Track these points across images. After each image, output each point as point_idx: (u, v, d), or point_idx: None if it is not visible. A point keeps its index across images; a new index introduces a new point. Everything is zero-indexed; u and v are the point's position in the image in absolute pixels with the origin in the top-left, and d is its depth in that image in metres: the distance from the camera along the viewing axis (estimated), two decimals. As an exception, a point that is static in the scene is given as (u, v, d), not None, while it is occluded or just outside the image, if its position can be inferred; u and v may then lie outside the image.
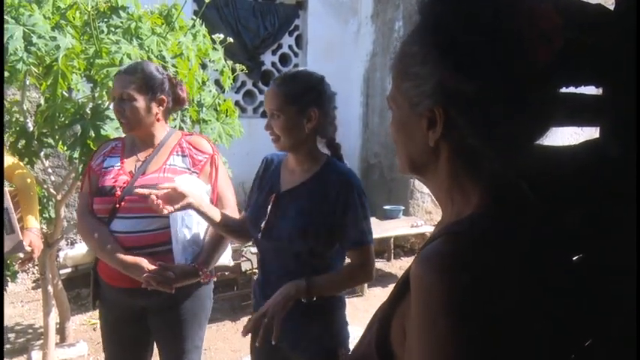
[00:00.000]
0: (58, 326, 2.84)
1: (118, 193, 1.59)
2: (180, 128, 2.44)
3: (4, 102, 2.19)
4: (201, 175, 1.69)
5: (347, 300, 4.07)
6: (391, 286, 3.23)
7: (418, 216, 5.04)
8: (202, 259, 1.63)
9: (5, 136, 2.18)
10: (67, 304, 2.95)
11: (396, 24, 5.20)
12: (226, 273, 3.87)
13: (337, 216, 1.36)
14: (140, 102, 1.60)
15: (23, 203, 1.89)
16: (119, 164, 1.65)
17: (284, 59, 5.59)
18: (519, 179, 0.61)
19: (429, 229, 4.62)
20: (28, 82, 2.31)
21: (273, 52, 5.48)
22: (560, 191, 0.70)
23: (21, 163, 1.99)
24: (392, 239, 4.82)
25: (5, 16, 1.89)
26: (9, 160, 1.93)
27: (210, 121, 2.64)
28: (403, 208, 4.84)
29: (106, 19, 2.19)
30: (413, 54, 0.61)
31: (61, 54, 1.90)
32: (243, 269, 4.02)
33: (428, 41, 0.59)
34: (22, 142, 2.11)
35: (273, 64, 5.51)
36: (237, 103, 5.03)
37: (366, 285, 4.02)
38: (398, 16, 5.16)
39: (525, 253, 0.55)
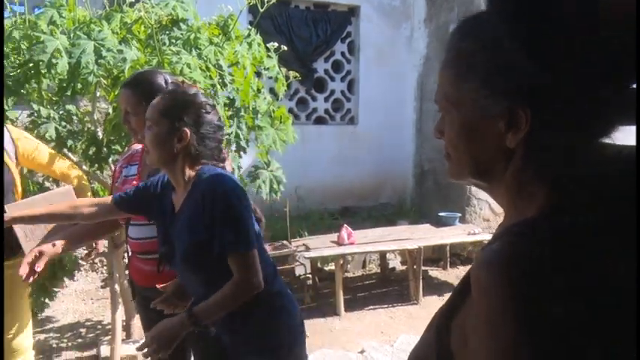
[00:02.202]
0: (124, 323, 2.99)
1: None
2: (237, 135, 2.52)
3: (78, 112, 2.36)
4: None
5: (403, 308, 4.00)
6: (447, 295, 3.15)
7: (475, 223, 4.88)
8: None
9: (78, 144, 2.34)
10: (132, 303, 3.10)
11: (451, 27, 5.09)
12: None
13: (213, 225, 1.29)
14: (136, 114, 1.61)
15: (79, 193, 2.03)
16: (136, 174, 1.71)
17: (336, 66, 5.63)
18: (588, 179, 0.58)
19: (486, 237, 4.45)
20: (98, 94, 2.48)
21: (326, 59, 5.53)
22: (628, 191, 0.65)
23: (76, 166, 2.14)
24: (448, 247, 4.70)
25: (78, 32, 2.04)
26: (65, 162, 2.07)
27: (265, 127, 2.70)
28: (459, 215, 4.71)
29: (167, 32, 2.31)
30: (481, 50, 0.57)
31: (127, 66, 2.02)
32: (297, 274, 4.07)
33: (503, 34, 0.54)
34: (93, 149, 2.26)
35: (326, 71, 5.57)
36: (290, 110, 5.12)
37: (421, 292, 3.94)
38: (452, 18, 5.06)
39: (594, 256, 0.51)
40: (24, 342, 1.98)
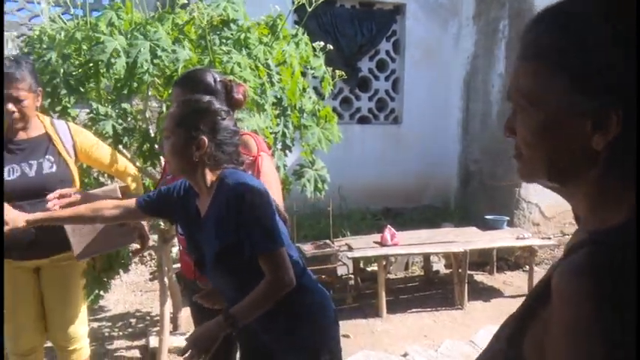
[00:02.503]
0: (171, 316, 3.08)
1: None
2: (283, 134, 2.54)
3: (132, 111, 2.45)
4: None
5: (446, 312, 3.92)
6: (494, 301, 3.08)
7: (524, 227, 4.71)
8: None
9: (132, 141, 2.43)
10: (180, 295, 3.20)
11: (501, 23, 4.94)
12: (322, 276, 3.93)
13: (241, 228, 1.31)
14: None
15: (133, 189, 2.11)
16: None
17: (381, 65, 5.58)
18: None
19: (536, 242, 4.29)
20: (150, 93, 2.56)
21: (370, 58, 5.49)
22: None
23: (132, 165, 2.22)
24: (495, 251, 4.56)
25: (135, 33, 2.12)
26: (123, 160, 2.15)
27: (310, 126, 2.71)
28: (507, 218, 4.56)
29: (218, 32, 2.35)
30: (577, 47, 0.54)
31: (180, 65, 2.08)
32: (339, 273, 4.06)
33: (605, 34, 0.52)
34: (146, 145, 2.33)
35: (370, 70, 5.53)
36: (333, 110, 5.11)
37: (466, 297, 3.84)
38: (503, 15, 4.90)
39: None
40: (80, 330, 2.07)
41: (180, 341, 3.11)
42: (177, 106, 1.38)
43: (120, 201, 1.65)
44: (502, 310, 3.82)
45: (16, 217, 1.50)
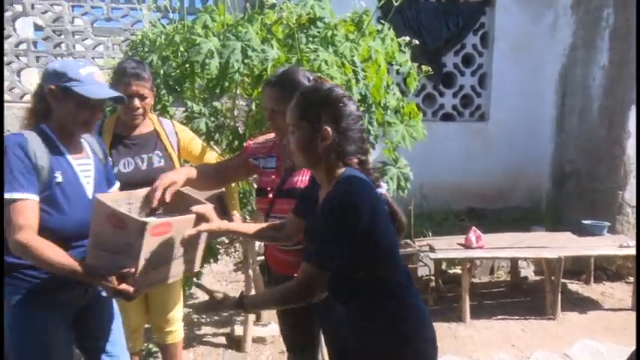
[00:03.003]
0: (254, 307, 3.19)
1: (270, 195, 1.71)
2: (367, 130, 2.52)
3: (223, 109, 2.57)
4: None
5: (537, 321, 3.68)
6: (591, 313, 2.83)
7: (628, 235, 4.28)
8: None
9: (222, 138, 2.55)
10: (263, 287, 3.30)
11: (605, 12, 4.52)
12: (402, 276, 3.87)
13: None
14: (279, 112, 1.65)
15: (227, 194, 2.19)
16: (274, 167, 1.76)
17: (467, 60, 5.35)
18: None
19: (642, 250, 3.88)
20: (237, 92, 2.66)
21: (456, 53, 5.29)
22: None
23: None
24: (592, 259, 4.19)
25: (227, 34, 2.21)
26: (214, 155, 2.25)
27: (394, 123, 2.66)
28: (608, 224, 4.16)
29: (305, 30, 2.39)
30: None
31: (269, 64, 2.14)
32: (420, 274, 3.96)
33: None
34: (236, 142, 2.43)
35: (455, 65, 5.32)
36: (417, 107, 4.99)
37: (559, 308, 3.57)
38: (607, 2, 4.47)
39: None
40: (177, 314, 2.23)
41: (263, 332, 3.22)
42: (297, 99, 1.34)
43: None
44: (601, 323, 3.51)
45: (219, 223, 1.53)
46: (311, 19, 2.40)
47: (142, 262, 1.36)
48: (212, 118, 2.40)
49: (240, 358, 3.02)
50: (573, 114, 4.98)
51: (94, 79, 1.47)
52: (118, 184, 1.74)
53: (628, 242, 3.83)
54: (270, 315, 3.51)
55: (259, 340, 3.17)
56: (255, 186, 1.82)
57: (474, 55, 5.33)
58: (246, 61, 2.16)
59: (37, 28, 5.26)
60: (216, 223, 1.50)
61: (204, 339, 3.24)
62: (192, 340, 3.18)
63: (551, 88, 5.24)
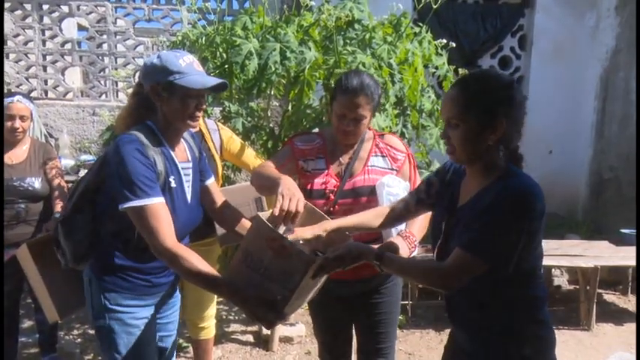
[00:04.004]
0: (283, 306, 3.22)
1: (332, 197, 1.67)
2: (402, 133, 2.51)
3: (259, 109, 2.60)
4: (399, 173, 1.71)
5: (569, 332, 3.57)
6: (627, 325, 2.73)
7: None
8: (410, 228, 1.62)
9: (257, 138, 2.59)
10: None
11: (652, 14, 4.35)
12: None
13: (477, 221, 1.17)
14: (368, 119, 1.66)
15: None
16: (325, 168, 1.72)
17: (504, 62, 5.25)
18: None
19: (685, 262, 3.72)
20: (272, 93, 2.69)
21: (492, 56, 5.20)
22: None
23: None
24: (630, 270, 4.05)
25: (267, 35, 2.24)
26: (252, 153, 2.27)
27: (429, 126, 2.65)
28: (648, 233, 4.01)
29: (342, 32, 2.40)
30: None
31: (307, 66, 2.16)
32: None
33: None
34: (271, 142, 2.47)
35: (492, 67, 5.23)
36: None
37: (594, 319, 3.47)
38: (655, 3, 4.31)
39: None
40: (210, 310, 2.29)
41: (290, 331, 3.25)
42: (461, 88, 1.21)
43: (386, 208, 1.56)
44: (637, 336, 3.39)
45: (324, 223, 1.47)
46: (349, 22, 2.41)
47: (295, 294, 1.28)
48: (248, 118, 2.44)
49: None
50: (614, 120, 4.82)
51: (194, 68, 1.39)
52: (213, 177, 1.66)
53: (670, 254, 3.68)
54: (297, 315, 3.54)
55: (286, 340, 3.20)
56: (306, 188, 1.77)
57: (511, 57, 5.23)
58: (283, 62, 2.19)
59: (81, 28, 5.45)
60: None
61: (233, 336, 3.29)
62: (221, 337, 3.22)
63: (592, 92, 5.09)
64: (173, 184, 1.42)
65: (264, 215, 1.35)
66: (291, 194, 1.38)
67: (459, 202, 1.30)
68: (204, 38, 2.47)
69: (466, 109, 1.18)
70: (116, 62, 5.05)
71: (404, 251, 1.52)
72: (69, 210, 1.48)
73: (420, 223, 1.64)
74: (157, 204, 1.32)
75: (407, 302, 3.52)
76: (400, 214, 1.52)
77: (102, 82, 4.96)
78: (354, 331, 1.93)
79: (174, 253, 1.31)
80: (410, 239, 1.57)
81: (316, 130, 2.20)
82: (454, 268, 1.17)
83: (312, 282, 1.35)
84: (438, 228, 1.35)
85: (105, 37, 4.88)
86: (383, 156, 1.73)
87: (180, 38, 2.80)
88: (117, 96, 5.14)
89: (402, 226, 1.64)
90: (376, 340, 1.83)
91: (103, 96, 5.01)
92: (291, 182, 1.47)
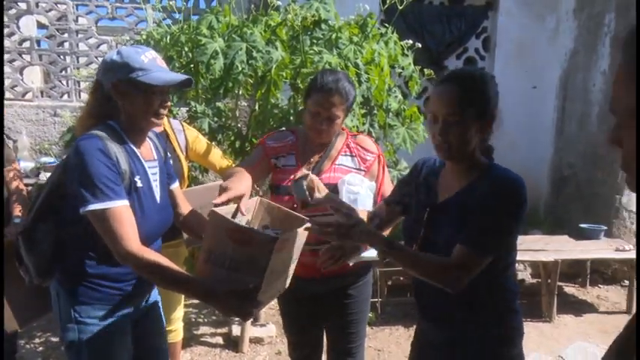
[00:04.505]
0: (253, 306, 3.21)
1: None
2: (369, 132, 2.54)
3: (226, 109, 2.58)
4: (367, 174, 1.73)
5: (532, 324, 3.69)
6: (586, 316, 2.86)
7: (624, 239, 4.31)
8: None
9: (224, 138, 2.57)
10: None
11: (606, 17, 4.55)
12: (400, 278, 3.89)
13: (475, 217, 1.20)
14: (341, 119, 1.68)
15: None
16: (295, 165, 1.73)
17: (469, 63, 5.37)
18: None
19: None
20: (240, 93, 2.68)
21: (458, 57, 5.31)
22: None
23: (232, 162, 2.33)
24: (588, 262, 4.22)
25: (233, 35, 2.23)
26: (219, 153, 2.25)
27: (395, 125, 2.69)
28: (605, 228, 4.19)
29: (309, 32, 2.41)
30: None
31: (274, 65, 2.16)
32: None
33: None
34: (238, 142, 2.45)
35: (458, 68, 5.35)
36: (418, 109, 5.01)
37: (555, 310, 3.60)
38: (609, 7, 4.50)
39: None
40: (178, 313, 2.25)
41: (260, 332, 3.23)
42: (451, 87, 1.22)
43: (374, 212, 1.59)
44: (595, 326, 3.54)
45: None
46: (315, 22, 2.42)
47: (266, 279, 1.26)
48: (215, 119, 2.41)
49: None
50: (573, 119, 5.01)
51: (157, 64, 1.34)
52: (177, 182, 1.62)
53: (624, 246, 3.86)
54: (267, 316, 3.54)
55: (257, 341, 3.19)
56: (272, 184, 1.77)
57: (475, 58, 5.36)
58: (250, 62, 2.18)
59: (41, 26, 5.27)
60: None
61: (202, 339, 3.25)
62: (189, 340, 3.19)
63: (552, 92, 5.27)
64: (139, 184, 1.36)
65: (220, 210, 1.34)
66: (229, 185, 1.40)
67: (439, 197, 1.33)
68: (168, 37, 2.43)
69: (466, 106, 1.20)
70: (78, 61, 4.91)
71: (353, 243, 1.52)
72: (30, 220, 1.40)
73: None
74: (120, 207, 1.27)
75: (376, 300, 3.56)
76: (379, 217, 1.53)
77: (63, 82, 4.81)
78: (324, 329, 1.93)
79: (140, 258, 1.26)
80: None
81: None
82: (461, 266, 1.19)
83: (281, 266, 1.35)
84: (416, 223, 1.35)
85: (66, 35, 4.74)
86: (352, 155, 1.75)
87: (144, 37, 2.74)
88: (79, 96, 4.99)
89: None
90: (347, 339, 1.84)
91: (65, 96, 4.86)
92: (239, 176, 1.49)
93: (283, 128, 2.17)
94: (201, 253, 1.34)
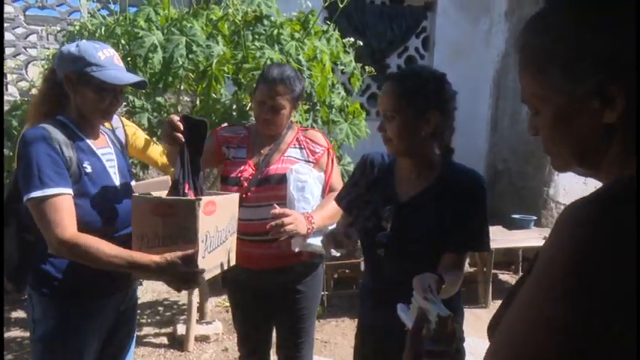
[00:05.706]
0: (198, 305, 3.16)
1: (245, 184, 1.70)
2: (312, 128, 2.57)
3: (166, 104, 2.53)
4: (316, 165, 1.78)
5: (469, 310, 3.88)
6: (523, 298, 2.93)
7: (552, 227, 4.63)
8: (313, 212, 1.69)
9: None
10: (207, 286, 3.27)
11: (534, 21, 4.84)
12: (347, 270, 3.97)
13: (457, 218, 1.26)
14: (287, 109, 1.71)
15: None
16: (245, 157, 1.76)
17: (410, 62, 5.55)
18: None
19: (564, 242, 4.21)
20: (182, 87, 2.63)
21: (399, 55, 5.47)
22: None
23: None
24: (520, 251, 4.50)
25: (172, 28, 2.18)
26: (158, 148, 2.20)
27: (338, 121, 2.74)
28: (535, 218, 4.49)
29: (251, 28, 2.40)
30: (557, 40, 0.59)
31: (214, 60, 2.14)
32: (363, 268, 4.08)
33: (577, 22, 0.58)
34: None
35: (399, 67, 5.50)
36: (361, 106, 5.11)
37: (490, 296, 3.81)
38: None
39: None
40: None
41: (206, 330, 3.20)
42: (395, 82, 1.26)
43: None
44: (527, 311, 3.78)
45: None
46: (257, 17, 2.42)
47: (200, 243, 1.29)
48: (155, 114, 2.36)
49: None
50: (506, 117, 5.30)
51: (113, 62, 1.36)
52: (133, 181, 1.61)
53: (552, 235, 4.14)
54: (213, 313, 3.50)
55: (202, 339, 3.15)
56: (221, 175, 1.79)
57: (416, 57, 5.54)
58: (190, 56, 2.15)
59: (-39, 12, 4.88)
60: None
61: (145, 339, 3.17)
62: (133, 340, 3.11)
63: (487, 91, 5.55)
64: (89, 170, 1.35)
65: (139, 193, 1.37)
66: None
67: (398, 196, 1.34)
68: (103, 29, 2.34)
69: (401, 102, 1.24)
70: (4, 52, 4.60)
71: (302, 227, 1.58)
72: None
73: (326, 213, 1.70)
74: (57, 194, 1.25)
75: (323, 293, 3.62)
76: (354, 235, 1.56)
77: (-12, 74, 4.49)
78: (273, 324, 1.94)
79: (75, 243, 1.24)
80: (309, 220, 1.62)
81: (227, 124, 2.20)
82: (461, 269, 1.30)
83: (216, 233, 1.39)
84: (378, 220, 1.34)
85: (-10, 24, 4.42)
86: (301, 148, 1.79)
87: (77, 28, 2.63)
88: (6, 89, 4.68)
89: (308, 208, 1.68)
90: (297, 335, 1.85)
91: (-10, 89, 4.54)
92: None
93: (225, 124, 2.16)
94: (133, 242, 1.33)
